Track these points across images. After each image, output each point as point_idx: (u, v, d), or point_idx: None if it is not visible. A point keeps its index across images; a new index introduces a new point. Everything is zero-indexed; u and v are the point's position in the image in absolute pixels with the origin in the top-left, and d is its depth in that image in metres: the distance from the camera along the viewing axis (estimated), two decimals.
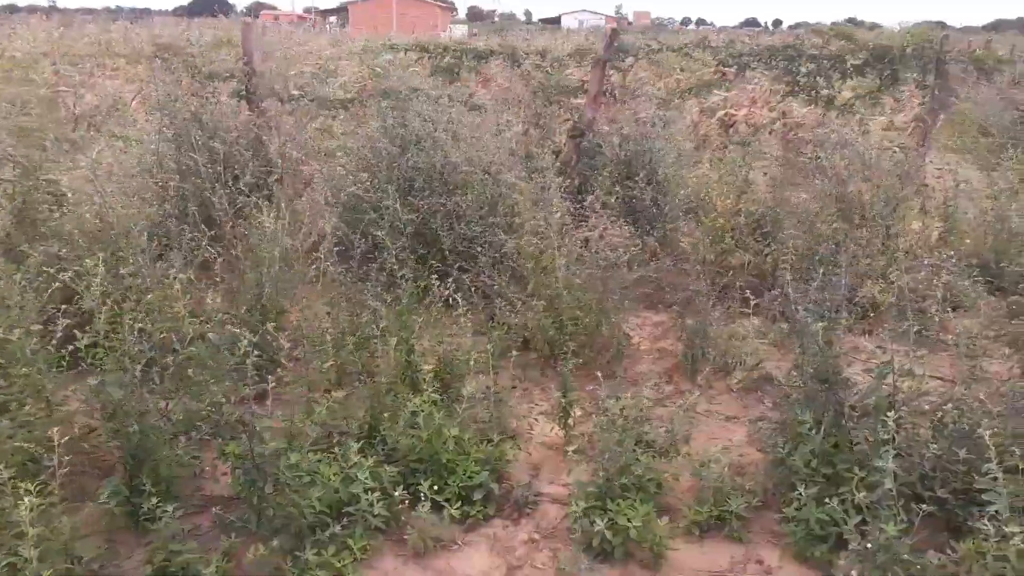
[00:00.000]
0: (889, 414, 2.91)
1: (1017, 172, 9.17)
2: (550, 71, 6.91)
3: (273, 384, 3.23)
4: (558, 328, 4.87)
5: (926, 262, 5.97)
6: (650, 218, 6.60)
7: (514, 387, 4.74)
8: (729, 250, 5.95)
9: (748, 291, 5.39)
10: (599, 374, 3.97)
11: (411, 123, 6.28)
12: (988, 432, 2.81)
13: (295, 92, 6.99)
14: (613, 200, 6.70)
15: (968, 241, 6.18)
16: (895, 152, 7.55)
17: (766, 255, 5.99)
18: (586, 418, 4.36)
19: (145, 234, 4.24)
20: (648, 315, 5.76)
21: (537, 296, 4.79)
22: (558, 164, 7.11)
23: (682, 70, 9.73)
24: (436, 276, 5.04)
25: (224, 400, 3.00)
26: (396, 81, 6.77)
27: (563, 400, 4.01)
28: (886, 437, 2.85)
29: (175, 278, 3.54)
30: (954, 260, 6.02)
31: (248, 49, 6.82)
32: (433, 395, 3.67)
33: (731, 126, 11.21)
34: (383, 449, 3.58)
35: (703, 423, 4.36)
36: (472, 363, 4.05)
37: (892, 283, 5.55)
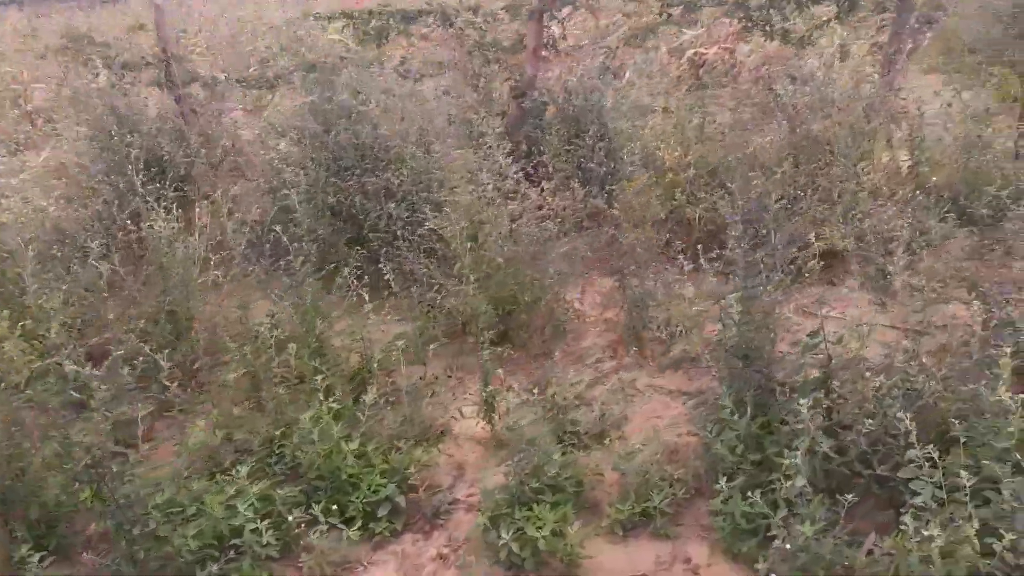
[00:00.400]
0: (804, 400, 2.62)
1: (997, 92, 8.67)
2: (483, 28, 6.47)
3: (143, 413, 2.97)
4: (495, 309, 4.59)
5: (883, 203, 5.62)
6: (600, 177, 6.24)
7: (449, 377, 4.47)
8: (681, 206, 5.58)
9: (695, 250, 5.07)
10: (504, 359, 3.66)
11: (337, 96, 5.92)
12: (911, 412, 2.51)
13: (218, 75, 6.61)
14: (563, 161, 6.35)
15: (935, 176, 5.77)
16: (874, 79, 7.11)
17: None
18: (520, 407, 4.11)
19: (31, 250, 3.95)
20: (597, 282, 5.43)
21: (465, 277, 4.48)
22: (503, 127, 6.73)
23: (625, 15, 9.21)
24: (359, 262, 4.77)
25: (77, 442, 2.74)
26: (320, 52, 6.37)
27: (484, 392, 3.74)
28: (799, 427, 2.55)
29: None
30: (920, 196, 5.66)
31: (163, 34, 6.43)
32: (333, 404, 3.40)
33: (701, 66, 10.69)
34: (282, 467, 3.33)
35: (644, 401, 4.08)
36: (377, 364, 3.76)
37: (854, 227, 5.20)
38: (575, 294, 5.15)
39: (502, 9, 6.48)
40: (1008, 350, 2.77)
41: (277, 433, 3.39)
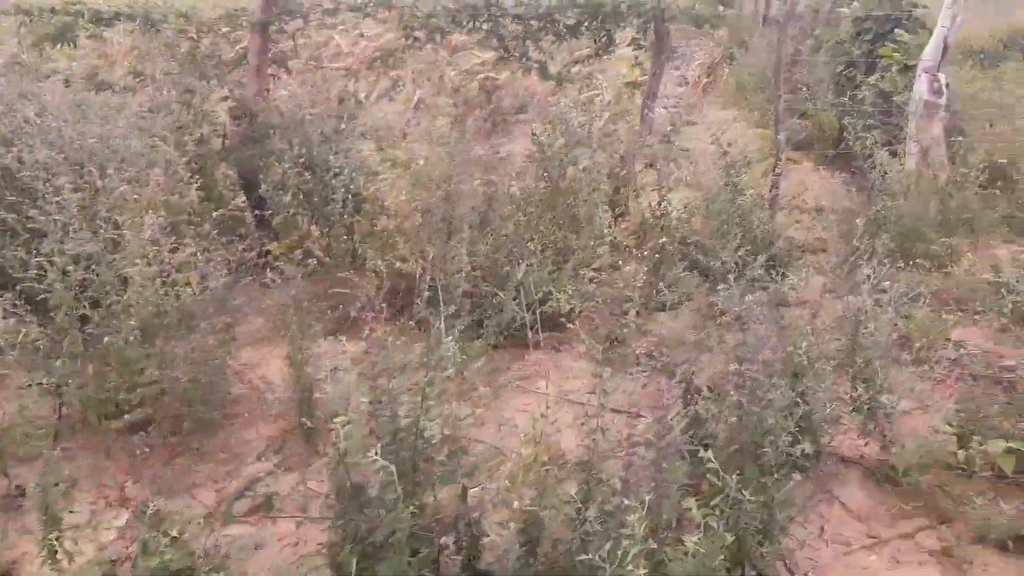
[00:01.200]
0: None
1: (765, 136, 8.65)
2: (196, 38, 5.51)
3: None
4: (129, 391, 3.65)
5: (623, 258, 5.19)
6: (328, 218, 5.40)
7: (56, 485, 3.46)
8: (404, 257, 4.84)
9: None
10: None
11: None
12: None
13: None
14: (289, 197, 5.47)
15: (683, 228, 5.39)
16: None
17: (452, 259, 4.94)
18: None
19: None
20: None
21: (74, 352, 3.50)
22: (222, 152, 5.79)
23: (362, 35, 8.54)
24: None
25: None
26: None
27: (46, 533, 2.77)
28: None
29: None
30: (668, 249, 5.26)
31: None
32: None
33: (493, 92, 10.16)
34: None
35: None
36: None
37: (582, 286, 4.68)
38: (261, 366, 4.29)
39: (219, 19, 5.53)
40: (647, 496, 2.19)
41: None
